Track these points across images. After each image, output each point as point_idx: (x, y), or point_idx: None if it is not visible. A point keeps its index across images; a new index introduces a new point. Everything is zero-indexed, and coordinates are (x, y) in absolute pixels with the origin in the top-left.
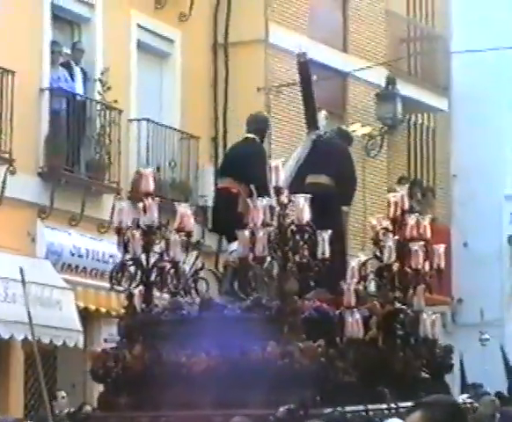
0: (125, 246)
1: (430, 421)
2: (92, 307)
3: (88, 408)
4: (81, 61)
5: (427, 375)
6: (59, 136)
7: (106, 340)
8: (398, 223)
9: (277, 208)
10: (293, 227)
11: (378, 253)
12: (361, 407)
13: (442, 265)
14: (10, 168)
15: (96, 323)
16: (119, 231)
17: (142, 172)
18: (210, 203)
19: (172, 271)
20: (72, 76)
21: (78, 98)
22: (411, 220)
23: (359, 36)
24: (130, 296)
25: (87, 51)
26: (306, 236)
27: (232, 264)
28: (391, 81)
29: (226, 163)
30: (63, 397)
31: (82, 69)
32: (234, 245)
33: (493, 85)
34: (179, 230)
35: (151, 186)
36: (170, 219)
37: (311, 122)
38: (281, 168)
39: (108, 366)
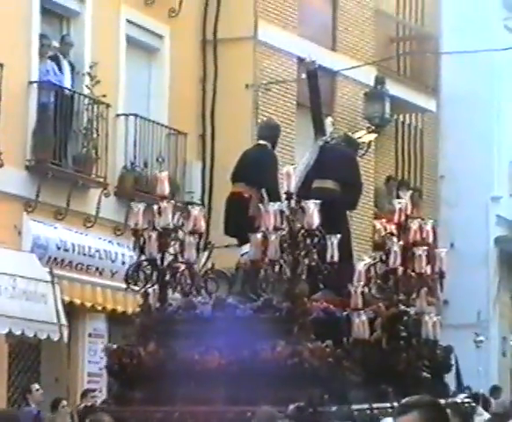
0: (140, 247)
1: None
2: (78, 301)
3: (64, 402)
4: (69, 54)
5: (428, 375)
6: (46, 130)
7: (90, 335)
8: (402, 228)
9: (287, 213)
10: (303, 231)
11: (383, 257)
12: (366, 406)
13: (445, 268)
14: None
15: (81, 318)
16: (135, 233)
17: (158, 176)
18: (197, 199)
19: (187, 271)
20: (60, 69)
21: (66, 91)
22: (414, 225)
23: (348, 35)
24: (146, 295)
25: (76, 45)
26: (316, 240)
27: (244, 266)
28: (379, 80)
29: (239, 169)
30: (38, 390)
31: (70, 63)
32: (245, 248)
33: (481, 87)
34: (193, 232)
35: (166, 190)
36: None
37: (319, 128)
38: (293, 174)
39: (124, 362)
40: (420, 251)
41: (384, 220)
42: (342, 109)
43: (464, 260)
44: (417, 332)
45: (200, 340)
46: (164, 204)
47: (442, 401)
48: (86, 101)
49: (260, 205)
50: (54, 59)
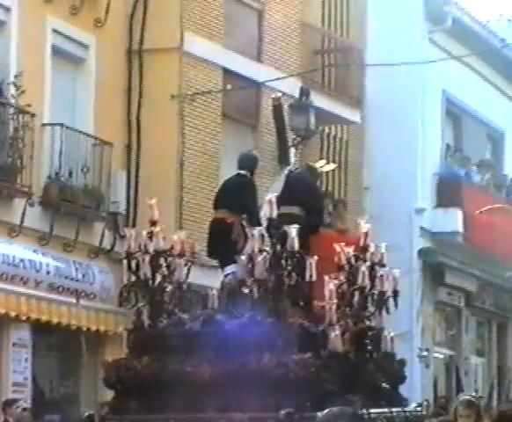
0: (132, 269)
1: None
2: (2, 310)
3: None
4: None
5: (386, 386)
6: None
7: (14, 344)
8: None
9: (268, 237)
10: (285, 253)
11: (344, 277)
12: None
13: (398, 287)
14: None
15: (5, 327)
16: (128, 256)
17: (149, 203)
18: (122, 210)
19: (176, 291)
20: None
21: None
22: (371, 248)
23: (273, 46)
24: (138, 313)
25: (1, 54)
26: (295, 261)
27: (228, 285)
28: (304, 92)
29: (221, 196)
30: None
31: None
32: (229, 268)
33: (406, 99)
34: (180, 255)
35: (156, 215)
36: (81, 225)
37: (284, 158)
38: (275, 202)
39: (120, 374)
40: (382, 271)
41: (343, 243)
42: (268, 120)
43: None
44: (377, 346)
45: (191, 354)
46: (156, 229)
47: (399, 409)
48: (11, 111)
49: (247, 229)
50: None
